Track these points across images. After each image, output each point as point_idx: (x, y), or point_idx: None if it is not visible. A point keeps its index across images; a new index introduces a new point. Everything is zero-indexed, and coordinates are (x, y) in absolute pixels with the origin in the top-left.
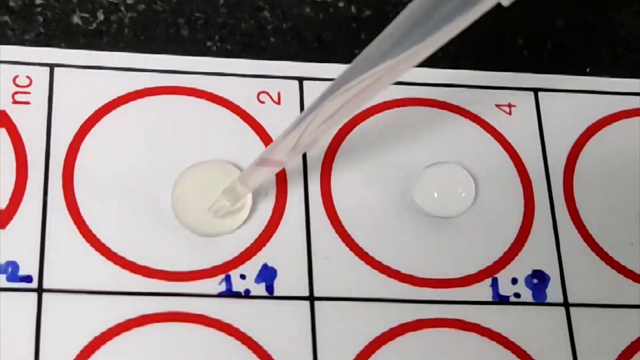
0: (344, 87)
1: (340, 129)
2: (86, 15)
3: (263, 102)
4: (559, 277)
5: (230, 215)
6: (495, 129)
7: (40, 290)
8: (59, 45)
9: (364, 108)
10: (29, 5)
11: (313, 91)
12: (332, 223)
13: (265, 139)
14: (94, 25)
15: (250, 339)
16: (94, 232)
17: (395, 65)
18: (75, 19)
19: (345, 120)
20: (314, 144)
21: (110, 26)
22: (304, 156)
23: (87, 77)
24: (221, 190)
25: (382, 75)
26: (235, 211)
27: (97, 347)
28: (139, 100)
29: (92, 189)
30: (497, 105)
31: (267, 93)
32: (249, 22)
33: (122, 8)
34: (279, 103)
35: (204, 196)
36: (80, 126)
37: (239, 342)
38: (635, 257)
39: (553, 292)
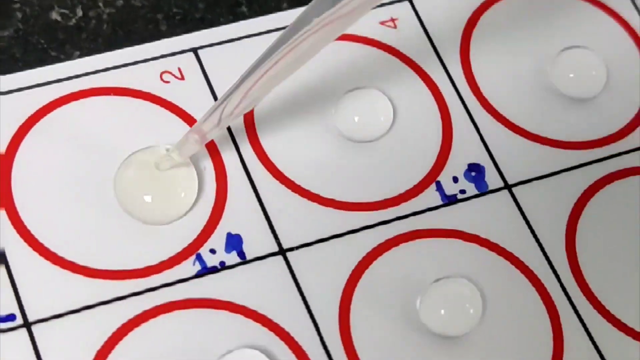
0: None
1: None
2: (65, 11)
3: (168, 82)
4: (492, 164)
5: (180, 196)
6: (389, 46)
7: (27, 325)
8: (37, 42)
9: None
10: (7, 1)
11: (210, 58)
12: (272, 174)
13: (183, 115)
14: (73, 21)
15: (241, 307)
16: (56, 252)
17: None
18: (54, 15)
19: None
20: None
21: (89, 22)
22: None
23: None
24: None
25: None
26: (182, 180)
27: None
28: (51, 115)
29: (37, 211)
30: (382, 23)
31: (169, 72)
32: (227, 17)
33: (101, 4)
34: (182, 78)
35: (148, 185)
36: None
37: (232, 314)
38: (549, 125)
39: (492, 179)
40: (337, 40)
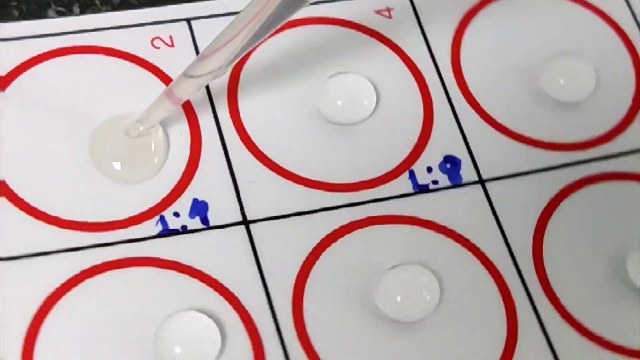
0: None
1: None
2: (61, 9)
3: (158, 48)
4: (469, 158)
5: (149, 159)
6: (382, 34)
7: None
8: None
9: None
10: None
11: (202, 29)
12: (247, 148)
13: (168, 81)
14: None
15: (198, 271)
16: (24, 198)
17: None
18: (51, 13)
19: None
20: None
21: None
22: (208, 88)
23: None
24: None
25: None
26: (150, 147)
27: (52, 305)
28: (39, 66)
29: (13, 159)
30: (377, 12)
31: (160, 38)
32: None
33: (97, 2)
34: (172, 46)
35: (120, 148)
36: None
37: (187, 276)
38: (530, 125)
39: (467, 173)
40: (331, 25)
